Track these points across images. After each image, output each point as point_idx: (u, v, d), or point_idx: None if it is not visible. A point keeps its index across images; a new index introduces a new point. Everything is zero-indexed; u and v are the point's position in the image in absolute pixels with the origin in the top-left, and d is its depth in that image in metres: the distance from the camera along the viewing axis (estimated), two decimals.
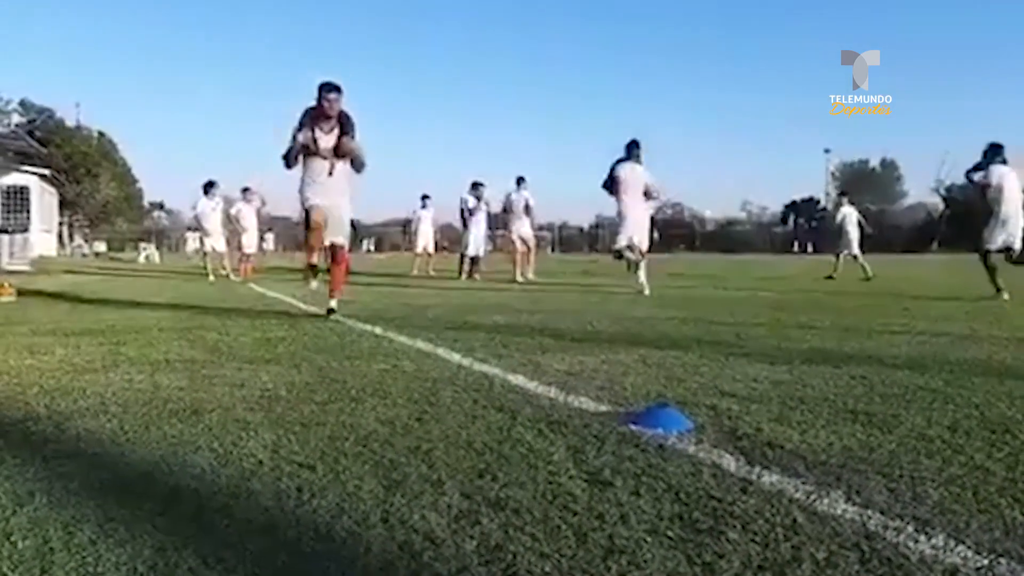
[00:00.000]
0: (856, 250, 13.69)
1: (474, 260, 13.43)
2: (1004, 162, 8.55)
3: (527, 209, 12.85)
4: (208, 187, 13.98)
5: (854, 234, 13.78)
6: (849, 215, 14.04)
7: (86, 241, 40.31)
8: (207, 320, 5.78)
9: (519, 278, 12.04)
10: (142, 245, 32.63)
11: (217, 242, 14.01)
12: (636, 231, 8.92)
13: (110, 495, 1.80)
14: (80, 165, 46.12)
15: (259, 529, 1.60)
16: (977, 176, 8.65)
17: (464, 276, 13.12)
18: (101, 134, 50.26)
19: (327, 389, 3.02)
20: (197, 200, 13.98)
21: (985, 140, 8.97)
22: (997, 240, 8.39)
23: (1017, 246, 8.35)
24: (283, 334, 4.84)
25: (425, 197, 16.32)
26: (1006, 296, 7.92)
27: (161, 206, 65.95)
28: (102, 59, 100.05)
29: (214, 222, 13.92)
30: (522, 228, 12.67)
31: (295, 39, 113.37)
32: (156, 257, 28.72)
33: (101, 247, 40.05)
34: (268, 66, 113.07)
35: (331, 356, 3.88)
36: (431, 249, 16.06)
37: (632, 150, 8.98)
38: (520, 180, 13.02)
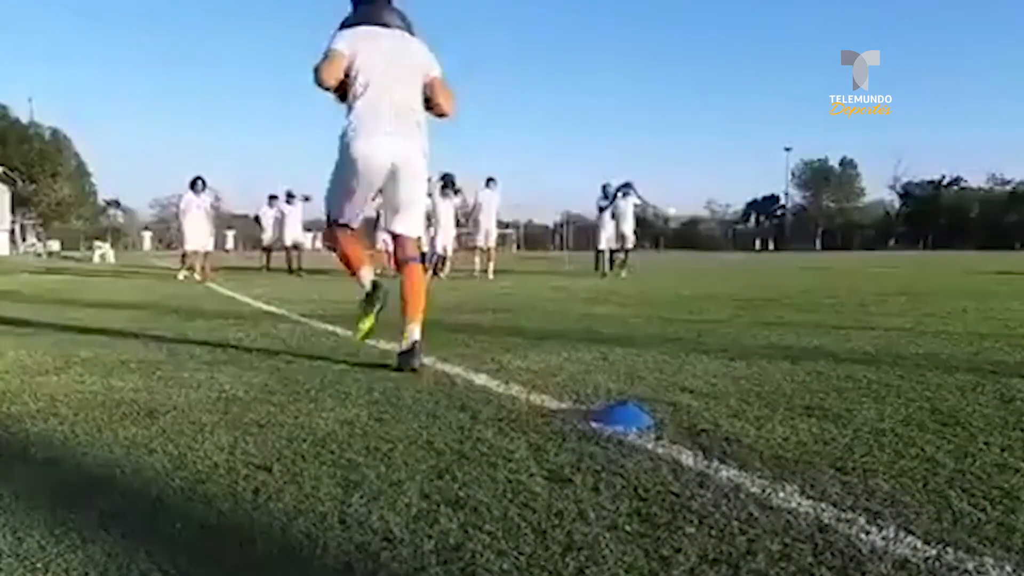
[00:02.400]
0: (612, 244, 14.58)
1: (441, 258, 13.36)
2: (626, 196, 14.50)
3: (496, 211, 14.04)
4: (195, 183, 13.60)
5: (618, 229, 14.60)
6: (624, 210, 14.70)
7: (39, 240, 39.30)
8: (164, 321, 5.68)
9: (490, 276, 12.67)
10: (97, 244, 31.84)
11: (199, 240, 13.53)
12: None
13: (60, 500, 1.75)
14: (36, 163, 45.08)
15: (214, 532, 1.57)
16: (604, 204, 14.41)
17: (429, 275, 13.06)
18: (55, 131, 49.20)
19: (286, 390, 2.98)
20: (182, 196, 13.81)
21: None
22: (609, 243, 14.43)
23: (629, 245, 14.67)
24: (241, 334, 4.78)
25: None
26: (609, 278, 13.24)
27: (117, 204, 64.77)
28: (53, 54, 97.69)
29: (199, 220, 13.55)
30: (490, 225, 13.63)
31: (252, 34, 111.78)
32: (111, 256, 28.03)
33: (55, 246, 39.07)
34: (219, 61, 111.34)
35: (290, 357, 3.83)
36: (390, 247, 15.74)
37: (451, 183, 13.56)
38: (490, 181, 14.03)
